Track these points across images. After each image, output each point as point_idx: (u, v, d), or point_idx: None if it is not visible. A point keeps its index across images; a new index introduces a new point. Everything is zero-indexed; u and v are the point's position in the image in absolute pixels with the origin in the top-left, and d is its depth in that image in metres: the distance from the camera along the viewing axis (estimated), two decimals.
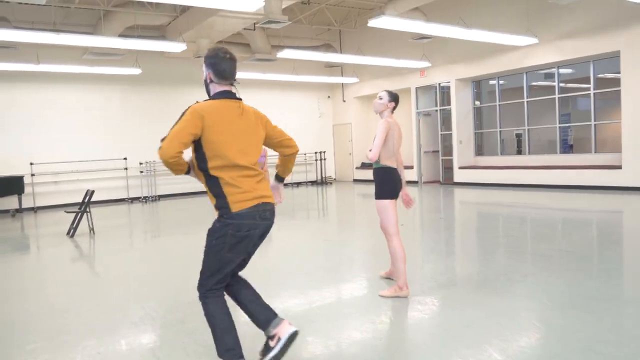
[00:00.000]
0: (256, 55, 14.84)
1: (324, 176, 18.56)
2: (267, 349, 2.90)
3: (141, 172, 14.76)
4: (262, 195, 2.77)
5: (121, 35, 12.44)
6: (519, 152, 14.48)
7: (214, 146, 2.68)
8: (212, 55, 2.81)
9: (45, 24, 12.32)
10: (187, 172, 2.81)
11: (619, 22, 10.79)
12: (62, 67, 12.42)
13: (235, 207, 2.68)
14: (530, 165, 13.21)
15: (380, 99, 4.31)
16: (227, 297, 2.89)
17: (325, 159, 18.68)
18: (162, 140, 2.63)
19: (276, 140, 3.00)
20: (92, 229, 8.52)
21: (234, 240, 2.70)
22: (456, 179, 14.84)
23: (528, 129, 13.79)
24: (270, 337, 2.88)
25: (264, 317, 2.92)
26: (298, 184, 18.04)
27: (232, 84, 2.84)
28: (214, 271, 2.78)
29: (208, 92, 2.87)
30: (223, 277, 2.81)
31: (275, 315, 2.93)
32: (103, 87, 14.38)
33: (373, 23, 9.63)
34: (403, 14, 11.35)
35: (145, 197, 14.86)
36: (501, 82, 14.47)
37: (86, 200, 8.32)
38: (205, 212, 11.35)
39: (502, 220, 8.60)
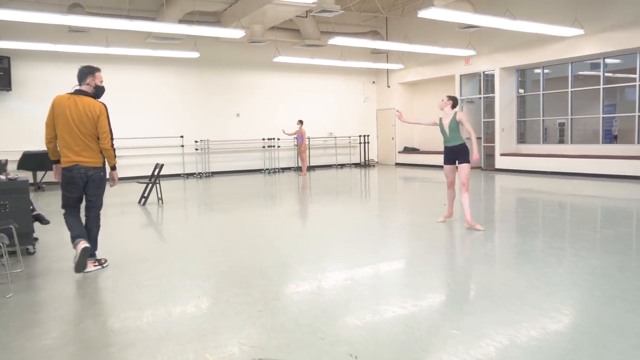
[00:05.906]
0: (306, 41, 15.48)
1: (367, 159, 19.15)
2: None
3: (196, 149, 15.72)
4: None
5: (181, 21, 13.30)
6: (561, 141, 14.69)
7: None
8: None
9: (112, 9, 13.35)
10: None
11: None
12: (128, 50, 13.35)
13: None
14: (572, 154, 13.44)
15: (442, 100, 7.06)
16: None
17: (368, 143, 19.24)
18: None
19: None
20: (160, 199, 9.43)
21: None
22: (497, 165, 15.18)
23: (571, 119, 13.99)
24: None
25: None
26: (342, 165, 18.70)
27: (80, 85, 4.99)
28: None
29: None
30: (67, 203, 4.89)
31: (82, 237, 4.67)
32: (163, 70, 15.33)
33: (423, 14, 10.06)
34: (451, 3, 11.73)
35: (200, 173, 15.83)
36: (546, 71, 14.66)
37: (156, 172, 9.22)
38: (253, 188, 12.12)
39: (541, 205, 9.04)
